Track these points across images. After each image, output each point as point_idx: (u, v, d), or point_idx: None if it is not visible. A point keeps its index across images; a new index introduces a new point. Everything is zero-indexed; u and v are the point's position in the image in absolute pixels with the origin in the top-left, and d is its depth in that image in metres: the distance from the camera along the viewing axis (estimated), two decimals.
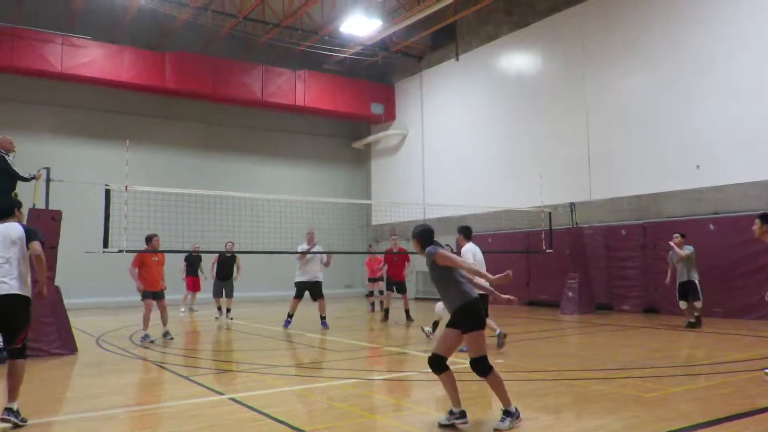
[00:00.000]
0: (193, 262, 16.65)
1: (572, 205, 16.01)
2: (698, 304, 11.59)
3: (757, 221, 7.22)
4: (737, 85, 13.53)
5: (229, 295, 15.19)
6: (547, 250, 15.59)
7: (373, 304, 16.78)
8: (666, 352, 8.83)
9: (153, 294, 10.85)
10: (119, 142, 16.39)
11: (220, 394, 6.45)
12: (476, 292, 5.19)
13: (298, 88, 22.40)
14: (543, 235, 15.80)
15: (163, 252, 11.33)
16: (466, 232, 9.26)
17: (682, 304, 11.76)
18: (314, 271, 12.61)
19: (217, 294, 15.40)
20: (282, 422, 5.19)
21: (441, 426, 4.92)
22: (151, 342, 10.46)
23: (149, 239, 11.05)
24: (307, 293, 12.73)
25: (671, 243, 11.91)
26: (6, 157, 9.09)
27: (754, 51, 13.32)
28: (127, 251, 10.00)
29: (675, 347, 9.28)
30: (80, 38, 18.75)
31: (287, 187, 22.27)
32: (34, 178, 9.36)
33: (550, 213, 15.89)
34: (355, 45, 21.80)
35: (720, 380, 6.61)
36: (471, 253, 8.86)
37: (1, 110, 18.50)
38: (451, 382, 5.02)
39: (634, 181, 15.57)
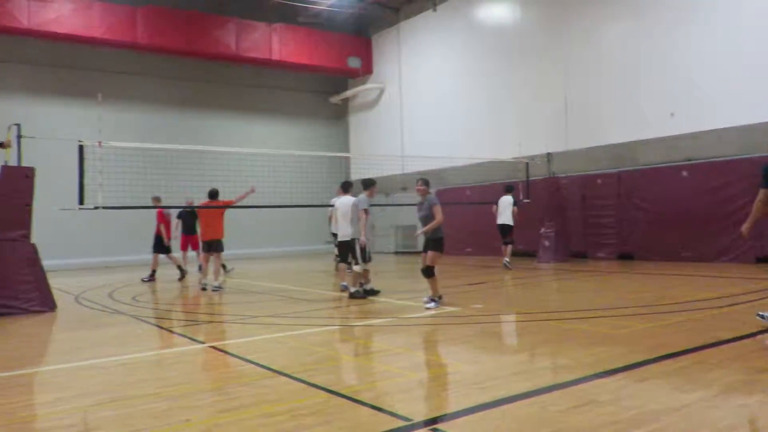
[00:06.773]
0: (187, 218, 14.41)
1: (549, 155, 16.12)
2: None
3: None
4: (714, 32, 13.54)
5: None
6: (525, 200, 15.75)
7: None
8: (639, 294, 9.07)
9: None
10: (91, 100, 16.05)
11: (201, 343, 6.55)
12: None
13: (274, 42, 21.98)
14: (521, 186, 15.94)
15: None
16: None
17: None
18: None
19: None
20: (263, 366, 5.29)
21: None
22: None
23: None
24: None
25: None
26: None
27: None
28: (103, 208, 9.94)
29: (647, 290, 9.53)
30: None
31: (265, 143, 22.11)
32: (1, 145, 9.18)
33: (527, 163, 16.00)
34: None
35: (687, 317, 6.86)
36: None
37: None
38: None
39: (610, 130, 15.66)
